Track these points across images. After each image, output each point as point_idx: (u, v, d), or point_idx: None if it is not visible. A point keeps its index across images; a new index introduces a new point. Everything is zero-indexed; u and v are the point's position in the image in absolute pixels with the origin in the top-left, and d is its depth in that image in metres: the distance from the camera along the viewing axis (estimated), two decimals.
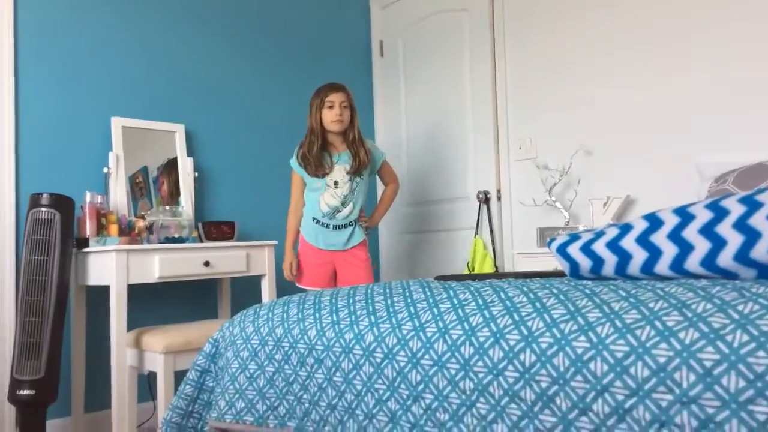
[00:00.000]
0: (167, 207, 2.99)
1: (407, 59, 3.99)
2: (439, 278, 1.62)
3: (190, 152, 3.25)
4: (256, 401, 1.41)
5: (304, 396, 1.32)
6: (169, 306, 3.15)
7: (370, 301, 1.35)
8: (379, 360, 1.20)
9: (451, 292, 1.26)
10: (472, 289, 1.26)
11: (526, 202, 3.32)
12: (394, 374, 1.16)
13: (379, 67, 4.14)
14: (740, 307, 0.89)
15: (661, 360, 0.88)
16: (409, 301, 1.28)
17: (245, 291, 3.35)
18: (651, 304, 0.97)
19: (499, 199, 3.48)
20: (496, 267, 3.39)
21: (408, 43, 3.98)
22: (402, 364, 1.16)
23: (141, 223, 2.88)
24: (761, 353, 0.81)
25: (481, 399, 1.04)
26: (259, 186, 3.55)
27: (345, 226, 2.95)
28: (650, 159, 2.90)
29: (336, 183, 2.91)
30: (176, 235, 2.87)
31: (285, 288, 3.21)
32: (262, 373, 1.41)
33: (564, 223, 3.06)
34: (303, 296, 1.56)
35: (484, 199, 3.48)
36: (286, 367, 1.37)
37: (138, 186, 3.05)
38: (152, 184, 3.10)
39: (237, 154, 3.49)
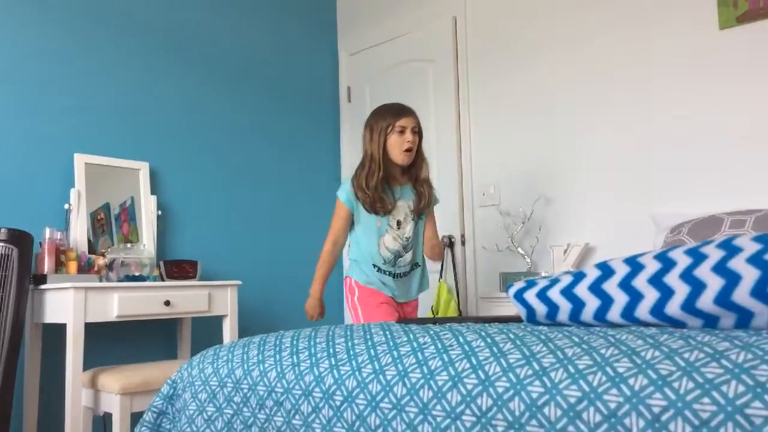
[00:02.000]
0: (128, 245, 2.96)
1: (374, 105, 4.04)
2: (400, 321, 1.64)
3: (154, 190, 3.24)
4: None
5: None
6: (127, 345, 3.10)
7: (331, 343, 1.36)
8: (338, 403, 1.20)
9: (411, 336, 1.28)
10: (431, 332, 1.28)
11: (489, 248, 3.37)
12: (354, 418, 1.17)
13: (347, 113, 4.20)
14: (686, 355, 0.92)
15: (612, 405, 0.90)
16: (369, 343, 1.29)
17: (206, 331, 3.30)
18: (602, 351, 1.00)
19: (463, 243, 3.53)
20: (460, 311, 3.41)
21: (375, 89, 4.05)
22: (361, 407, 1.16)
23: (101, 261, 2.84)
24: (706, 400, 0.84)
25: None
26: (223, 226, 3.54)
27: (406, 274, 2.54)
28: (609, 208, 2.99)
29: (399, 223, 2.50)
30: (136, 274, 2.84)
31: (247, 329, 3.18)
32: (221, 416, 1.40)
33: (526, 268, 3.12)
34: (264, 337, 1.55)
35: (449, 243, 3.53)
36: (245, 409, 1.36)
37: (99, 223, 3.01)
38: (114, 222, 3.06)
39: (201, 193, 3.48)
